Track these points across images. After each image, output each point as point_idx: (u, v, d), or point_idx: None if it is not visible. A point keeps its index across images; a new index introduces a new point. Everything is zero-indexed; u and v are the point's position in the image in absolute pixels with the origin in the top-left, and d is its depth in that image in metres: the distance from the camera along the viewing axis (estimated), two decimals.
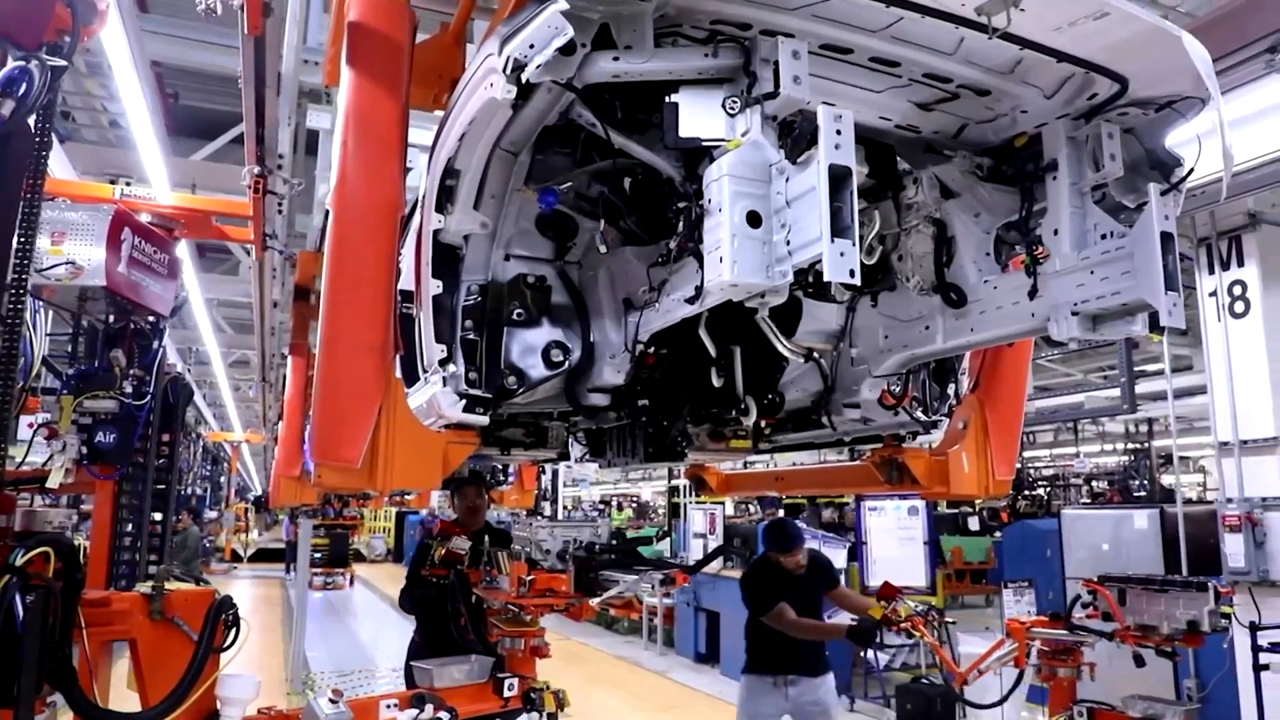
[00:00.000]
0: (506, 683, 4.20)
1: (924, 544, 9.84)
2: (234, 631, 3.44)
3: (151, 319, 6.38)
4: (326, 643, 13.72)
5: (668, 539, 16.43)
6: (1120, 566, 8.29)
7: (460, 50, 4.65)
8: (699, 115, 2.41)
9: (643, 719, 9.70)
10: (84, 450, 5.98)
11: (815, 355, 3.70)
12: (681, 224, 2.56)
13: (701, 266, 2.34)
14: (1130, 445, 22.09)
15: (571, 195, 3.18)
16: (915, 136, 2.99)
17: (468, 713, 3.94)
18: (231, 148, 8.01)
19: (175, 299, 6.71)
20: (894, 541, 10.01)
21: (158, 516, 7.30)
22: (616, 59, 2.36)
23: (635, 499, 33.40)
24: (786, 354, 3.43)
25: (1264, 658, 6.01)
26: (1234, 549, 6.90)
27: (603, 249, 3.08)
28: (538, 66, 2.25)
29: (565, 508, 25.90)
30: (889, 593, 4.86)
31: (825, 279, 2.00)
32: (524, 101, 2.48)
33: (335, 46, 4.41)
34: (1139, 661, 4.29)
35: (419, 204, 3.24)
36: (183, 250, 7.80)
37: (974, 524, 16.36)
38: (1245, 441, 7.09)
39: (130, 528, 6.57)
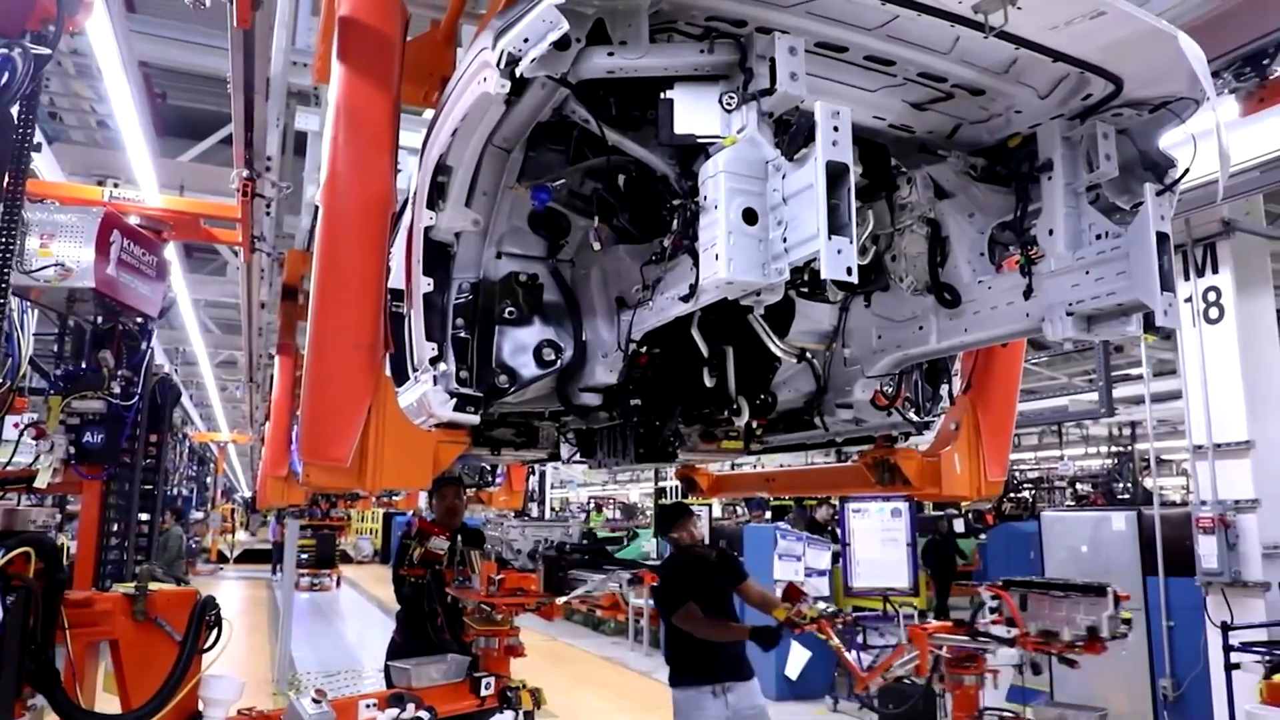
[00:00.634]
0: (483, 682, 4.22)
1: (907, 545, 9.85)
2: (216, 632, 3.42)
3: (140, 320, 6.40)
4: (312, 643, 13.66)
5: (637, 539, 16.39)
6: (1099, 568, 8.39)
7: (451, 48, 4.64)
8: (694, 112, 2.39)
9: (628, 719, 9.67)
10: (71, 450, 6.00)
11: (808, 355, 3.70)
12: (676, 221, 2.54)
13: (696, 264, 2.32)
14: (1114, 448, 22.22)
15: (565, 193, 3.15)
16: (909, 136, 2.98)
17: (446, 711, 3.96)
18: (220, 148, 7.97)
19: (163, 300, 6.72)
20: (877, 543, 10.02)
21: (145, 517, 7.30)
22: (611, 54, 2.34)
23: (622, 500, 33.35)
24: (779, 354, 3.42)
25: (1235, 657, 6.09)
26: (1207, 550, 7.03)
27: (596, 247, 3.05)
28: (532, 61, 2.23)
29: (553, 508, 25.89)
30: (793, 595, 4.77)
31: (822, 276, 1.98)
32: (517, 97, 2.46)
33: (325, 44, 4.39)
34: (1035, 669, 4.24)
35: (410, 202, 3.22)
36: (170, 252, 7.78)
37: (960, 526, 16.40)
38: (1219, 445, 7.22)
39: (118, 528, 6.57)
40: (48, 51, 2.62)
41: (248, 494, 34.29)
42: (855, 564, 10.11)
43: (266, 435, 11.40)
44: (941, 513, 14.79)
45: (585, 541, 4.75)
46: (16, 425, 5.93)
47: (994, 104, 2.81)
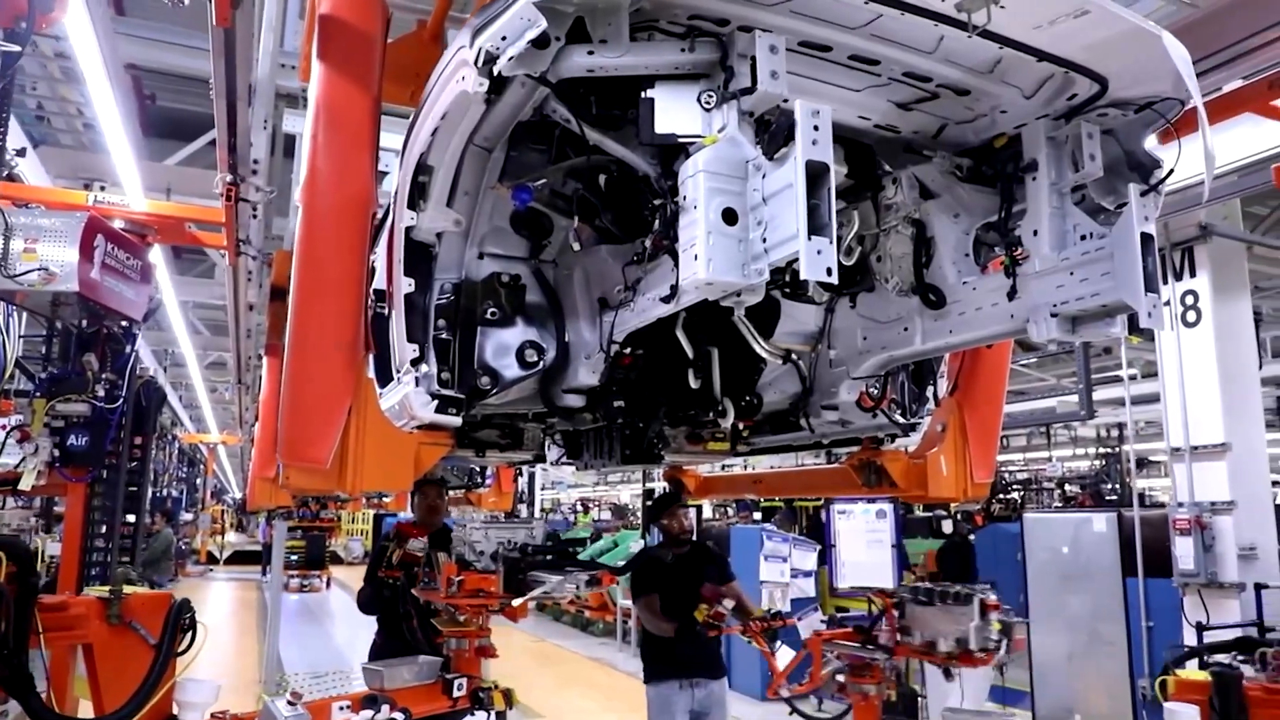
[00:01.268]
0: (455, 683, 4.23)
1: (891, 547, 9.86)
2: (191, 635, 3.41)
3: (124, 324, 6.44)
4: (301, 645, 13.63)
5: (601, 540, 16.35)
6: (1080, 569, 8.45)
7: (438, 48, 4.61)
8: (675, 111, 2.36)
9: (615, 719, 9.67)
10: (56, 453, 6.06)
11: (793, 357, 3.67)
12: (657, 222, 2.51)
13: (677, 265, 2.29)
14: (1101, 450, 22.28)
15: (546, 192, 3.12)
16: (895, 136, 2.96)
17: (420, 713, 3.96)
18: (208, 150, 7.93)
19: (149, 303, 6.75)
20: (862, 544, 10.03)
21: (131, 518, 7.30)
22: (591, 53, 2.31)
23: (612, 502, 33.36)
24: (764, 355, 3.40)
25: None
26: (1184, 552, 7.11)
27: (576, 247, 3.02)
28: (510, 59, 2.20)
29: (544, 510, 25.86)
30: (711, 596, 4.71)
31: (802, 277, 1.96)
32: (497, 96, 2.43)
33: (309, 44, 4.36)
34: (947, 675, 4.17)
35: (393, 202, 3.19)
36: (158, 254, 7.79)
37: (948, 527, 16.40)
38: (1196, 447, 7.30)
39: (104, 530, 6.57)
40: (18, 48, 2.59)
41: (239, 495, 34.22)
42: (841, 565, 10.15)
43: (256, 437, 11.36)
44: (930, 514, 14.79)
45: (549, 543, 4.77)
46: (2, 428, 5.93)
47: (979, 104, 2.79)
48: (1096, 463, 22.61)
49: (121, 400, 6.29)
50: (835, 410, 3.73)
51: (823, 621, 4.64)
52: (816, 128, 2.06)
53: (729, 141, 2.25)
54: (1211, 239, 7.36)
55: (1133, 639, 7.90)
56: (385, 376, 3.28)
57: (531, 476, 18.60)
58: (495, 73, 2.26)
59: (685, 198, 2.22)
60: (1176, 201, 6.06)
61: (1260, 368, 7.76)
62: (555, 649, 13.84)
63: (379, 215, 3.27)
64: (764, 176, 2.15)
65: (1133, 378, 13.28)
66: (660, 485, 16.64)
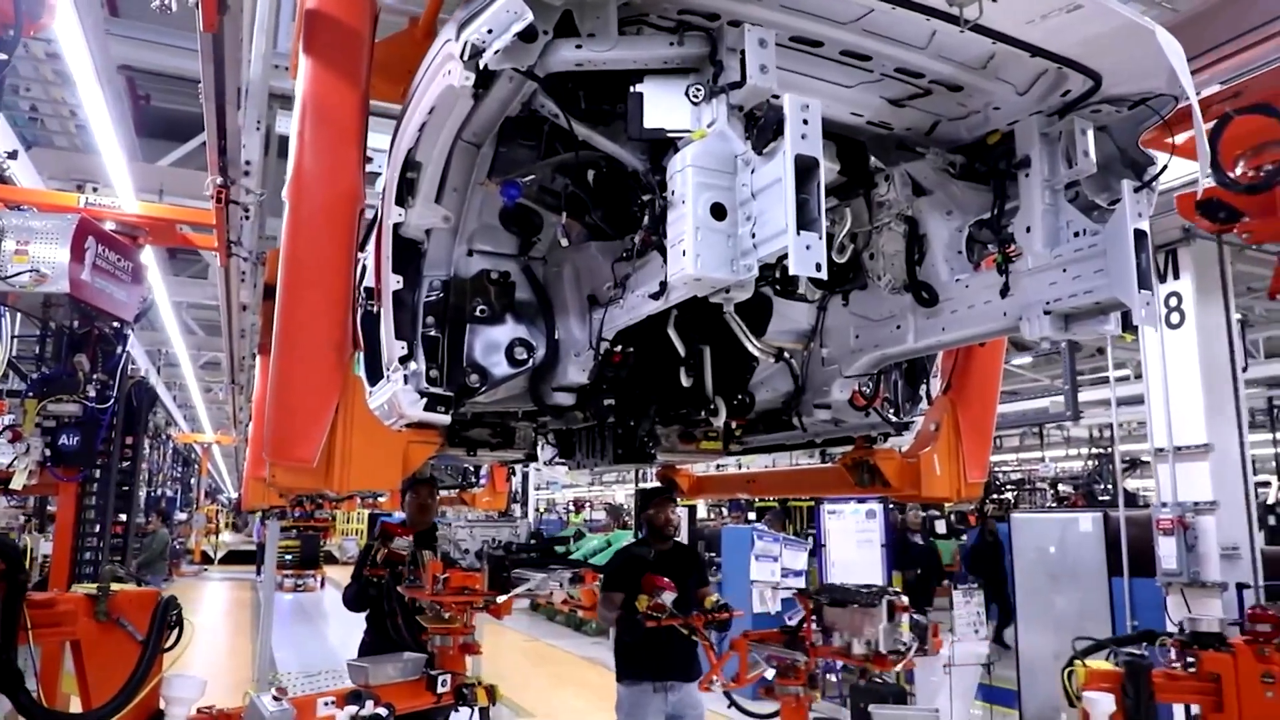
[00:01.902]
0: (440, 679, 4.27)
1: (881, 546, 9.87)
2: (178, 632, 3.44)
3: (115, 324, 6.50)
4: (295, 644, 13.63)
5: (594, 539, 16.33)
6: (1067, 569, 8.49)
7: (430, 46, 4.57)
8: (664, 106, 2.33)
9: (608, 719, 9.64)
10: (47, 453, 6.09)
11: (786, 355, 3.65)
12: (646, 217, 2.48)
13: (666, 261, 2.27)
14: (1094, 450, 22.29)
15: (535, 188, 3.09)
16: (887, 133, 2.94)
17: (404, 709, 4.00)
18: (203, 151, 7.89)
19: (141, 304, 6.78)
20: (852, 544, 10.04)
21: (123, 518, 7.32)
22: (579, 47, 2.29)
23: (606, 502, 33.35)
24: (756, 353, 3.38)
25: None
26: (1167, 551, 7.16)
27: (565, 243, 3.00)
28: (496, 53, 2.18)
29: (538, 510, 25.85)
30: (650, 586, 4.64)
31: (791, 273, 1.93)
32: (484, 90, 2.40)
33: (299, 42, 4.33)
34: (862, 675, 4.17)
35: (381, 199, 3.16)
36: (150, 255, 7.78)
37: (941, 527, 16.41)
38: (1179, 448, 7.33)
39: (95, 529, 6.60)
40: (5, 57, 2.56)
41: (234, 495, 34.16)
42: (831, 564, 10.16)
43: (250, 436, 11.34)
44: (924, 514, 14.81)
45: (533, 541, 4.79)
46: None
47: (972, 100, 2.77)
48: (1089, 463, 22.62)
49: (112, 400, 6.32)
50: (828, 409, 3.70)
51: None
52: (806, 121, 2.02)
53: (718, 136, 2.22)
54: (1194, 241, 7.39)
55: None
56: (375, 375, 3.25)
57: (525, 476, 18.54)
58: (482, 66, 2.23)
59: (674, 193, 2.19)
60: (1161, 204, 6.05)
61: (1245, 369, 7.74)
62: (548, 648, 13.82)
63: (369, 215, 3.25)
64: (753, 171, 2.12)
65: (1125, 378, 13.32)
66: (653, 485, 16.61)
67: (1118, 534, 7.95)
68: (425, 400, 2.99)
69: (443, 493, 10.89)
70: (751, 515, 16.42)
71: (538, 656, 13.08)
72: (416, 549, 4.62)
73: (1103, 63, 2.53)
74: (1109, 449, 20.06)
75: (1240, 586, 6.84)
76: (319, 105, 2.97)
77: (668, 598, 4.53)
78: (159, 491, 24.28)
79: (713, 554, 11.82)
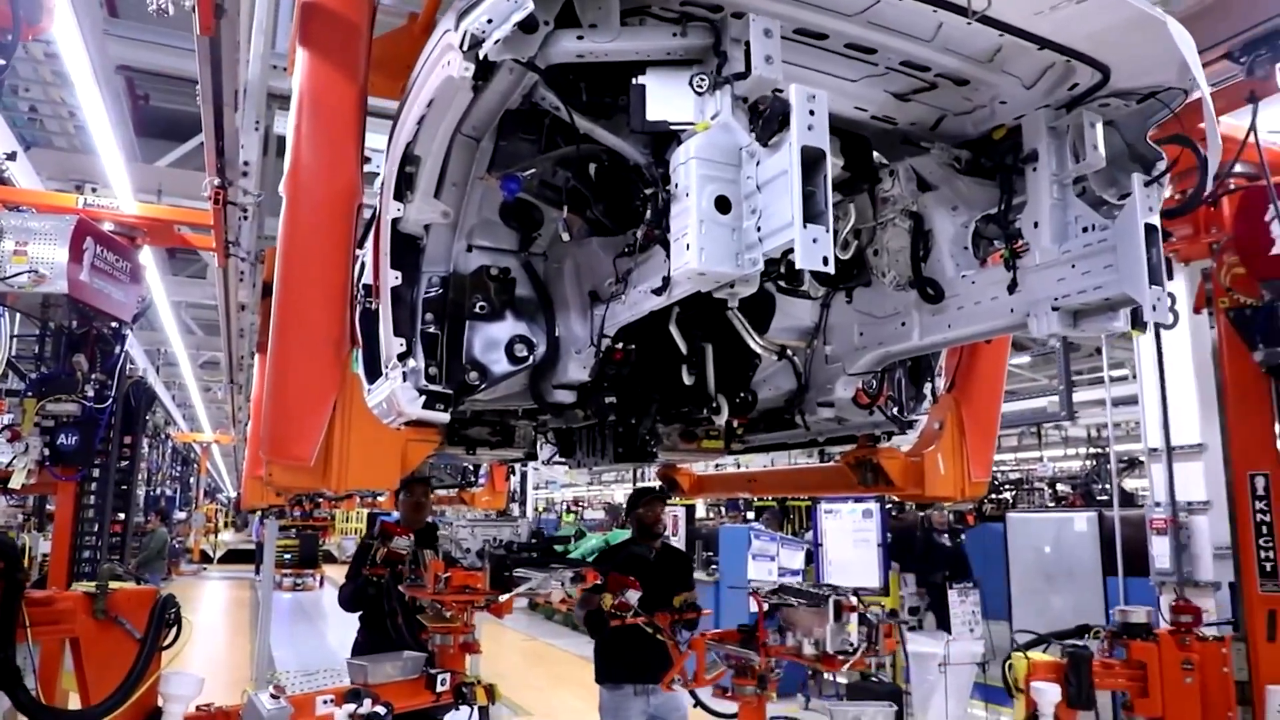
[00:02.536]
0: (439, 678, 4.27)
1: (878, 546, 9.86)
2: (176, 630, 3.46)
3: (114, 324, 6.56)
4: (294, 643, 13.62)
5: (593, 539, 16.32)
6: (1062, 569, 8.49)
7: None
8: (667, 98, 2.29)
9: None
10: (46, 452, 6.13)
11: (789, 352, 3.62)
12: (649, 211, 2.44)
13: (669, 255, 2.22)
14: (1092, 450, 22.27)
15: (536, 183, 3.04)
16: (892, 128, 2.90)
17: (402, 707, 3.99)
18: (202, 151, 7.88)
19: (139, 304, 6.83)
20: (849, 543, 10.03)
21: (121, 517, 7.35)
22: (581, 38, 2.25)
23: (606, 501, 33.31)
24: (759, 351, 3.35)
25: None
26: (1160, 551, 7.10)
27: (566, 238, 2.95)
28: (495, 43, 2.13)
29: (537, 509, 25.80)
30: (615, 584, 4.55)
31: (797, 266, 1.89)
32: (484, 82, 2.35)
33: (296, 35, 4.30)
34: (812, 676, 4.14)
35: (379, 194, 3.12)
36: (149, 255, 7.80)
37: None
38: (1173, 448, 7.26)
39: (94, 528, 6.64)
40: (3, 61, 2.53)
41: (233, 494, 34.13)
42: (828, 563, 10.14)
43: (248, 436, 11.32)
44: (922, 513, 14.76)
45: (534, 540, 4.77)
46: None
47: (978, 94, 2.73)
48: (1087, 463, 22.60)
49: (111, 400, 6.35)
50: (831, 407, 3.66)
51: None
52: (812, 112, 1.98)
53: (722, 128, 2.18)
54: None
55: None
56: (373, 373, 3.21)
57: (524, 475, 18.50)
58: (481, 57, 2.18)
59: (677, 186, 2.14)
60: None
61: None
62: (547, 648, 13.80)
63: (368, 214, 3.20)
64: (758, 163, 2.08)
65: (1123, 378, 13.29)
66: (654, 485, 16.59)
67: (1112, 534, 7.94)
68: (424, 398, 2.94)
69: (441, 492, 10.87)
70: (750, 514, 16.37)
71: (537, 656, 13.05)
72: (418, 548, 4.59)
73: (1112, 55, 2.49)
74: (1106, 449, 20.06)
75: (1233, 586, 6.81)
76: (316, 99, 2.92)
77: (632, 596, 4.47)
78: (158, 490, 24.24)
79: (710, 553, 11.84)
